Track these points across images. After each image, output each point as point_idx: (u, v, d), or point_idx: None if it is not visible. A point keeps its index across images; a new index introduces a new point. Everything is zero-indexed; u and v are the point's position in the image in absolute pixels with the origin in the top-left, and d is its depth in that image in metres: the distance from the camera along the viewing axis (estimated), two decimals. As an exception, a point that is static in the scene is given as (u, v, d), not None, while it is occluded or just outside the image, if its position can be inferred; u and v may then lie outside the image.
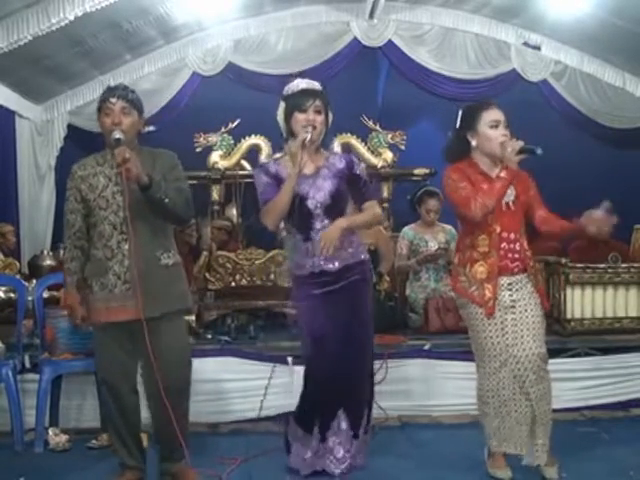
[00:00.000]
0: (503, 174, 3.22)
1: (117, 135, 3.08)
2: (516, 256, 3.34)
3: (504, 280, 3.33)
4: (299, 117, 3.41)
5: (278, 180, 3.42)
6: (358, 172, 3.53)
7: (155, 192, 3.06)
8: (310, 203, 3.41)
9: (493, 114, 3.34)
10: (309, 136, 3.35)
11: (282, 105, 3.50)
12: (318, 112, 3.42)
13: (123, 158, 2.98)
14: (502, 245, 3.32)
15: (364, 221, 3.58)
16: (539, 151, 3.17)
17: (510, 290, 3.33)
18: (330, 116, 3.51)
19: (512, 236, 3.34)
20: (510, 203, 3.35)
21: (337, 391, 3.44)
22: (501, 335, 3.31)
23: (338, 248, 3.35)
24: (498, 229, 3.31)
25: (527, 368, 3.30)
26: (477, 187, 3.28)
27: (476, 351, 3.47)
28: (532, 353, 3.29)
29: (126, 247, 3.14)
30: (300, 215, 3.40)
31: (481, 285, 3.31)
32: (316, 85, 3.53)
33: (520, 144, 3.22)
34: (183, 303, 3.30)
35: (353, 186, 3.52)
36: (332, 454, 3.45)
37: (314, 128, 3.39)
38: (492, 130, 3.31)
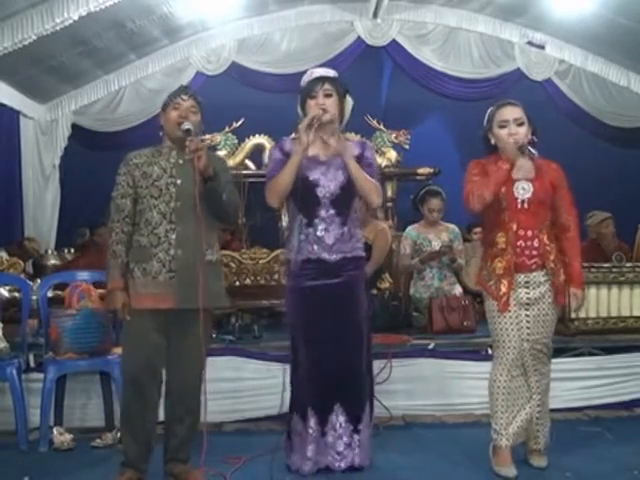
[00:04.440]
0: (499, 164, 3.35)
1: (187, 125, 3.19)
2: (534, 252, 3.39)
3: (521, 277, 3.40)
4: (310, 103, 3.44)
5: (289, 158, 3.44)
6: (369, 157, 3.57)
7: (217, 185, 3.17)
8: (319, 191, 3.42)
9: (503, 114, 3.43)
10: (318, 114, 3.36)
11: (299, 97, 3.53)
12: (328, 95, 3.43)
13: (197, 147, 3.10)
14: (518, 243, 3.39)
15: (361, 177, 3.42)
16: (534, 152, 3.32)
17: (527, 288, 3.40)
18: (349, 101, 3.53)
19: (529, 233, 3.39)
20: (526, 201, 3.40)
21: (330, 386, 3.44)
22: (516, 329, 3.39)
23: (338, 239, 3.41)
24: (514, 227, 3.39)
25: (531, 354, 3.40)
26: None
27: (493, 343, 3.54)
28: (537, 342, 3.40)
29: (173, 236, 3.20)
30: (307, 201, 3.41)
31: (498, 280, 3.40)
32: (328, 72, 3.56)
33: (522, 141, 3.33)
34: (220, 300, 3.37)
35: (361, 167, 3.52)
36: (333, 449, 3.45)
37: (325, 111, 3.39)
38: (500, 130, 3.41)
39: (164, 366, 3.30)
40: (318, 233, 3.42)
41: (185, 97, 3.28)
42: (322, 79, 3.46)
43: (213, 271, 3.29)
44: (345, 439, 3.45)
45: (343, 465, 3.43)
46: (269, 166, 3.54)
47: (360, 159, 3.51)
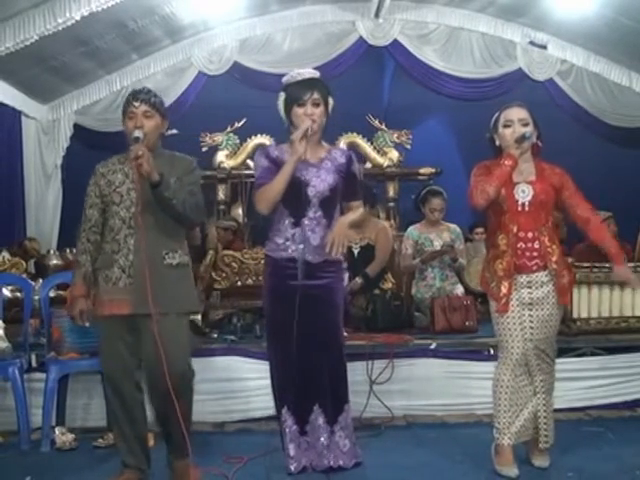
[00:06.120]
0: (502, 161, 3.37)
1: (136, 134, 3.17)
2: (534, 254, 3.41)
3: (523, 278, 3.42)
4: (298, 111, 3.42)
5: (277, 165, 3.43)
6: (355, 171, 3.59)
7: (163, 190, 3.12)
8: (310, 191, 3.42)
9: (508, 114, 3.45)
10: (309, 125, 3.35)
11: (282, 95, 3.50)
12: (316, 105, 3.42)
13: (136, 154, 3.07)
14: (519, 245, 3.41)
15: (357, 220, 3.66)
16: (527, 135, 3.37)
17: (529, 288, 3.42)
18: (331, 103, 3.50)
19: (530, 235, 3.41)
20: (526, 203, 3.41)
21: (308, 387, 3.45)
22: (520, 329, 3.40)
23: (323, 241, 3.40)
24: (515, 229, 3.41)
25: (535, 354, 3.41)
26: None
27: (498, 343, 3.56)
28: (541, 342, 3.41)
29: (132, 242, 3.19)
30: (297, 200, 3.40)
31: (499, 281, 3.42)
32: (314, 74, 3.53)
33: (519, 133, 3.37)
34: (183, 306, 3.31)
35: (347, 182, 3.54)
36: (314, 448, 3.46)
37: (313, 122, 3.39)
38: (505, 129, 3.44)
39: (139, 365, 3.28)
40: (305, 233, 3.42)
41: (136, 104, 3.24)
42: (311, 87, 3.42)
43: (175, 275, 3.25)
44: (323, 440, 3.46)
45: (322, 465, 3.44)
46: (256, 173, 3.53)
47: (346, 170, 3.51)
